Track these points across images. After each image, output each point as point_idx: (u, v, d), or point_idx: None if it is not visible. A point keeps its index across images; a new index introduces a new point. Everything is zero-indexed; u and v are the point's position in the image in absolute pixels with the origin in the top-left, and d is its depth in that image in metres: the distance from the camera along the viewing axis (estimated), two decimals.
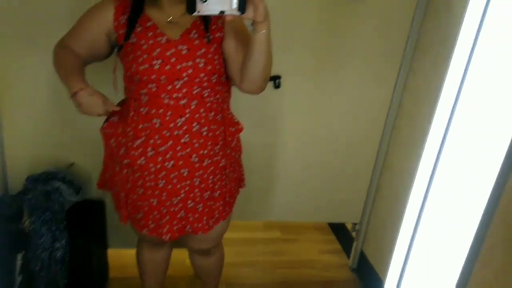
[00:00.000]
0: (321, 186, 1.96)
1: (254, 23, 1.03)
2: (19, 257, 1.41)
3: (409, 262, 0.85)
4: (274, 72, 1.66)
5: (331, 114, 1.82)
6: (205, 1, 0.96)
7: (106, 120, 1.28)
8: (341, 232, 2.38)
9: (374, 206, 2.00)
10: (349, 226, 2.25)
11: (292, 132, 1.83)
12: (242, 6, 0.96)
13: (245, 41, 1.15)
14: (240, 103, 1.67)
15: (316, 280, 2.05)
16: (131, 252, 1.72)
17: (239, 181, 1.45)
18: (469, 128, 0.71)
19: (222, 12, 0.97)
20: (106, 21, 1.15)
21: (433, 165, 0.78)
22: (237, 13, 0.97)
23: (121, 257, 1.94)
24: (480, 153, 0.72)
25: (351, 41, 1.68)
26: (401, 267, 0.87)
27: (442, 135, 0.74)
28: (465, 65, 0.70)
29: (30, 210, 1.41)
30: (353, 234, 2.15)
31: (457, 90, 0.71)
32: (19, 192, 1.52)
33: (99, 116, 1.16)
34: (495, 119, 0.67)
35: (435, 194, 0.79)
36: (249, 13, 0.99)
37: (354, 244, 2.13)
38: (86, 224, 1.60)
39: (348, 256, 2.21)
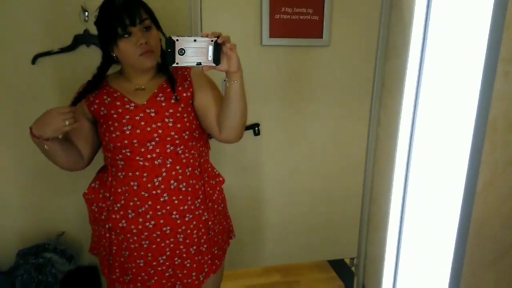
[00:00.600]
0: (314, 225, 1.97)
1: (228, 73, 1.10)
2: None
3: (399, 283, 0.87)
4: (252, 120, 1.73)
5: (313, 154, 1.86)
6: (183, 54, 1.03)
7: (89, 186, 1.31)
8: (341, 268, 2.36)
9: (368, 238, 2.00)
10: (348, 261, 2.24)
11: (278, 176, 1.86)
12: (216, 58, 1.05)
13: (215, 95, 1.22)
14: (223, 154, 1.72)
15: None
16: None
17: (228, 233, 1.46)
18: (429, 152, 0.76)
19: (199, 64, 1.05)
20: (81, 105, 1.22)
21: (402, 193, 0.82)
22: (212, 64, 1.05)
23: None
24: (444, 170, 0.76)
25: (322, 84, 1.76)
26: None
27: (405, 166, 0.79)
28: (414, 100, 0.76)
29: (23, 286, 1.40)
30: (353, 268, 2.13)
31: (411, 122, 0.76)
32: (11, 267, 1.52)
33: (64, 128, 1.10)
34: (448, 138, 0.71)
35: (410, 218, 0.83)
36: (224, 64, 1.06)
37: (355, 279, 2.11)
38: None
39: None
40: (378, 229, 1.89)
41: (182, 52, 1.02)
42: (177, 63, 1.04)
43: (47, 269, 1.46)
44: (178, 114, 1.20)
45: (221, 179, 1.38)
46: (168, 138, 1.19)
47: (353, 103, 1.81)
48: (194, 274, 1.30)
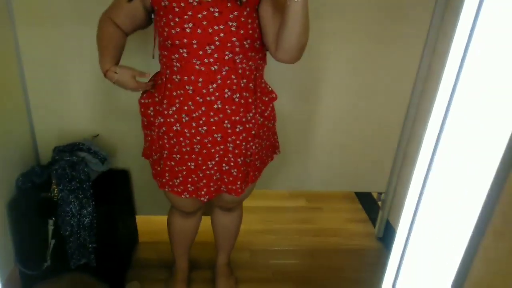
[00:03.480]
0: (347, 155, 1.92)
1: None
2: (51, 222, 1.51)
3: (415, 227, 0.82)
4: None
5: (356, 81, 1.75)
6: None
7: (145, 92, 1.31)
8: (367, 201, 2.34)
9: (400, 175, 1.94)
10: (375, 195, 2.21)
11: (318, 102, 1.78)
12: None
13: (282, 7, 1.10)
14: (280, 71, 1.63)
15: (341, 248, 2.05)
16: (159, 218, 1.80)
17: (273, 148, 1.47)
18: (493, 92, 0.65)
19: None
20: None
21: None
22: None
23: (150, 223, 2.03)
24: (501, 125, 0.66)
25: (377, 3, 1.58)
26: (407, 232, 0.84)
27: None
28: (471, 22, 0.63)
29: (58, 179, 1.48)
30: (379, 203, 2.11)
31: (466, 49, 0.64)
32: (49, 162, 1.60)
33: (134, 90, 1.24)
34: None
35: (443, 162, 0.75)
36: None
37: (380, 213, 2.09)
38: (112, 193, 1.67)
39: (374, 225, 2.18)
40: (413, 167, 1.81)
41: None
42: None
43: (80, 167, 1.53)
44: (243, 19, 1.11)
45: (274, 95, 1.34)
46: (228, 44, 1.12)
47: (411, 28, 1.63)
48: (238, 182, 1.33)
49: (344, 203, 2.42)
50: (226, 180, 1.33)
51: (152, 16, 1.20)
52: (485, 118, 0.60)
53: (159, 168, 1.34)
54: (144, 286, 1.75)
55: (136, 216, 1.97)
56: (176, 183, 1.33)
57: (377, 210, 2.14)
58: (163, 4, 1.12)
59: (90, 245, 1.54)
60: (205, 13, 1.10)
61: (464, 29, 0.58)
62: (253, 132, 1.28)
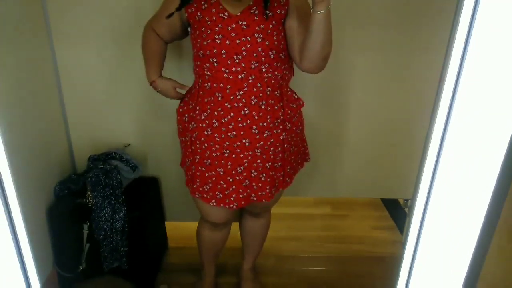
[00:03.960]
0: (373, 162, 1.92)
1: (313, 2, 1.05)
2: (85, 227, 1.60)
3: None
4: None
5: (381, 88, 1.76)
6: None
7: (182, 101, 1.42)
8: (394, 208, 2.32)
9: None
10: (401, 201, 2.19)
11: (344, 110, 1.81)
12: None
13: (307, 21, 1.17)
14: (304, 80, 1.65)
15: (367, 256, 2.05)
16: (188, 224, 1.86)
17: (303, 155, 1.51)
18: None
19: None
20: (178, 3, 1.24)
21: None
22: None
23: (179, 229, 2.10)
24: None
25: (398, 6, 1.60)
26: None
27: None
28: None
29: (92, 186, 1.58)
30: (406, 209, 2.09)
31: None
32: (84, 170, 1.71)
33: (172, 98, 1.42)
34: None
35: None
36: None
37: (407, 220, 2.07)
38: (142, 199, 1.75)
39: (402, 232, 2.16)
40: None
41: None
42: None
43: (113, 174, 1.62)
44: (268, 31, 1.20)
45: (301, 102, 1.40)
46: (254, 54, 1.20)
47: (433, 31, 1.63)
48: (267, 187, 1.37)
49: (370, 210, 2.41)
50: (255, 187, 1.37)
51: (189, 30, 1.30)
52: (489, 119, 0.62)
53: (190, 174, 1.40)
54: None
55: (166, 222, 2.05)
56: (206, 189, 1.38)
57: (404, 217, 2.12)
58: (197, 18, 1.22)
59: (122, 249, 1.62)
60: (233, 25, 1.19)
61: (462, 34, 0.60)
62: (281, 138, 1.33)
